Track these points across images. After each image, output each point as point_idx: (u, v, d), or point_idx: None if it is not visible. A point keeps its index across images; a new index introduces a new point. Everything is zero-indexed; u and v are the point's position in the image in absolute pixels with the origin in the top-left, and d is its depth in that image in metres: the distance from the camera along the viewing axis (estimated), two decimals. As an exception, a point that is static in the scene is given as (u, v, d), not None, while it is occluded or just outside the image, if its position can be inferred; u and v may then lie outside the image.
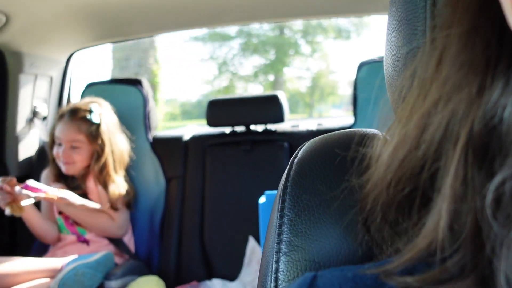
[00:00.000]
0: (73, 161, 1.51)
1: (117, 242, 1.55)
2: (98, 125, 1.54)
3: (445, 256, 0.23)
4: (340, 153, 0.37)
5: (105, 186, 1.54)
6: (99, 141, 1.53)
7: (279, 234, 0.37)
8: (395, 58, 0.37)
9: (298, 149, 0.42)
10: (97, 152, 1.53)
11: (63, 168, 1.53)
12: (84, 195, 1.53)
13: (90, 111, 1.55)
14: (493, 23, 0.22)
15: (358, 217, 0.33)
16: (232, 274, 1.64)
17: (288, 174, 0.40)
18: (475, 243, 0.22)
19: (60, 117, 1.55)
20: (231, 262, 1.65)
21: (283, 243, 0.37)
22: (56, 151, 1.52)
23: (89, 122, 1.53)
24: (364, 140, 0.36)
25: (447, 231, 0.23)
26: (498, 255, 0.20)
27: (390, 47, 0.38)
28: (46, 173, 1.65)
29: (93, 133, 1.53)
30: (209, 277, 1.67)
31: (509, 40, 0.22)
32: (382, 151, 0.29)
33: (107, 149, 1.55)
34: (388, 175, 0.28)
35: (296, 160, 0.41)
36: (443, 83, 0.24)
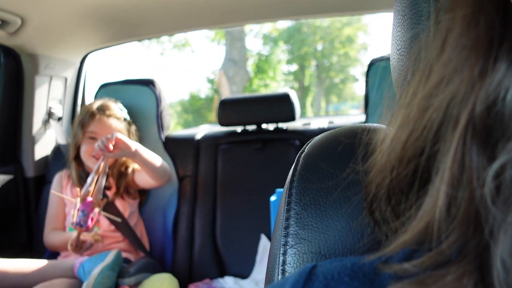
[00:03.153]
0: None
1: (131, 237, 1.57)
2: (129, 122, 1.66)
3: (441, 239, 0.23)
4: (345, 142, 0.38)
5: (120, 175, 1.60)
6: (131, 138, 1.62)
7: (286, 228, 0.38)
8: (400, 52, 0.37)
9: (305, 144, 0.43)
10: None
11: (93, 163, 1.54)
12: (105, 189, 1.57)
13: (121, 109, 1.65)
14: (497, 4, 0.22)
15: (363, 204, 0.33)
16: (244, 272, 1.64)
17: (295, 168, 0.40)
18: (471, 226, 0.22)
19: (92, 115, 1.58)
20: (243, 260, 1.66)
21: (290, 236, 0.37)
22: (88, 146, 1.55)
23: (121, 119, 1.63)
24: (368, 131, 0.36)
25: (444, 212, 0.23)
26: (495, 239, 0.20)
27: (395, 42, 0.38)
28: (60, 176, 1.67)
29: (128, 129, 1.64)
30: (222, 275, 1.68)
31: None
32: (385, 135, 0.29)
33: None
34: (392, 158, 0.28)
35: (303, 155, 0.41)
36: (445, 65, 0.24)
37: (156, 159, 1.57)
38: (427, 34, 0.27)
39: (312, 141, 0.43)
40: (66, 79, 1.88)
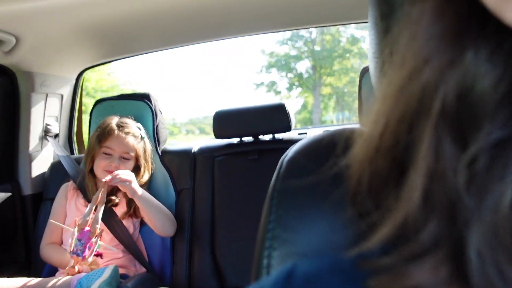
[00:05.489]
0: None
1: (134, 252, 1.56)
2: (145, 141, 1.68)
3: (418, 230, 0.23)
4: (328, 140, 0.38)
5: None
6: (146, 157, 1.66)
7: (269, 230, 0.38)
8: (375, 55, 0.38)
9: (288, 149, 0.44)
10: (139, 168, 1.63)
11: (105, 177, 1.55)
12: (111, 206, 1.57)
13: (139, 128, 1.67)
14: None
15: (346, 197, 0.33)
16: (243, 284, 1.63)
17: (278, 172, 0.41)
18: (447, 216, 0.22)
19: (110, 131, 1.59)
20: (243, 272, 1.65)
21: (273, 238, 0.37)
22: (102, 161, 1.56)
23: (138, 138, 1.64)
24: (351, 133, 0.37)
25: (421, 202, 0.23)
26: (469, 228, 0.20)
27: (371, 46, 0.39)
28: (66, 186, 1.67)
29: (144, 149, 1.65)
30: (221, 286, 1.67)
31: (479, 12, 0.22)
32: (364, 129, 0.29)
33: (150, 166, 1.69)
34: (370, 150, 0.28)
35: (285, 159, 0.42)
36: (416, 55, 0.24)
37: (160, 214, 1.57)
38: (398, 26, 0.28)
39: (295, 146, 0.43)
40: (62, 96, 1.89)
